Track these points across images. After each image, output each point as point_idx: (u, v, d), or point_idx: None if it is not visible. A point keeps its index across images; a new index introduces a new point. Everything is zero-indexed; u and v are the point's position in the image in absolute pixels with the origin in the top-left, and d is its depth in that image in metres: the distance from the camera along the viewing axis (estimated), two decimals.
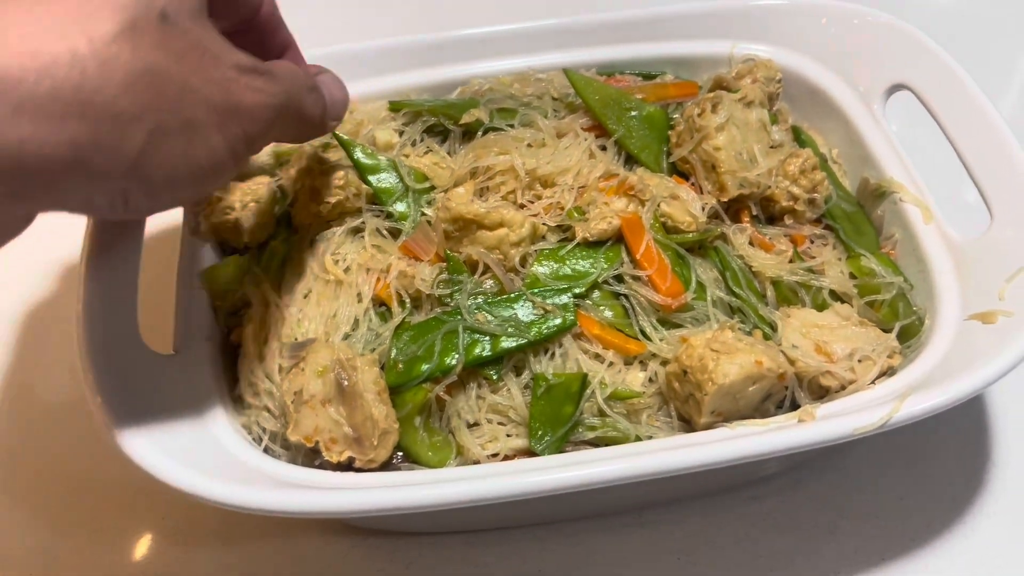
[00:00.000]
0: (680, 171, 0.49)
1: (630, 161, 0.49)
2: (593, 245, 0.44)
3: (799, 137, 0.52)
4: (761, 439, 0.37)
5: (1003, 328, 0.40)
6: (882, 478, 0.49)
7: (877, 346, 0.42)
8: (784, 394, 0.41)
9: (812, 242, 0.48)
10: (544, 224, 0.45)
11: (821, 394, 0.42)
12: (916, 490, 0.48)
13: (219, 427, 0.40)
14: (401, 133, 0.50)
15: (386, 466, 0.40)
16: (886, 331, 0.44)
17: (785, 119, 0.54)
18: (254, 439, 0.41)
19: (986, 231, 0.44)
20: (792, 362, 0.42)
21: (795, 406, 0.42)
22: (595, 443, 0.41)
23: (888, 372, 0.42)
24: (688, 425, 0.41)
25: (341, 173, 0.46)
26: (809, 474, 0.49)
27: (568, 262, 0.44)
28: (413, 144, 0.49)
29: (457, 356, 0.40)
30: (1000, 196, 0.44)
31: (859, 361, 0.41)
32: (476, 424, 0.41)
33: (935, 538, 0.47)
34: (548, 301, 0.42)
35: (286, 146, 0.51)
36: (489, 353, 0.41)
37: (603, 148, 0.49)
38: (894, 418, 0.37)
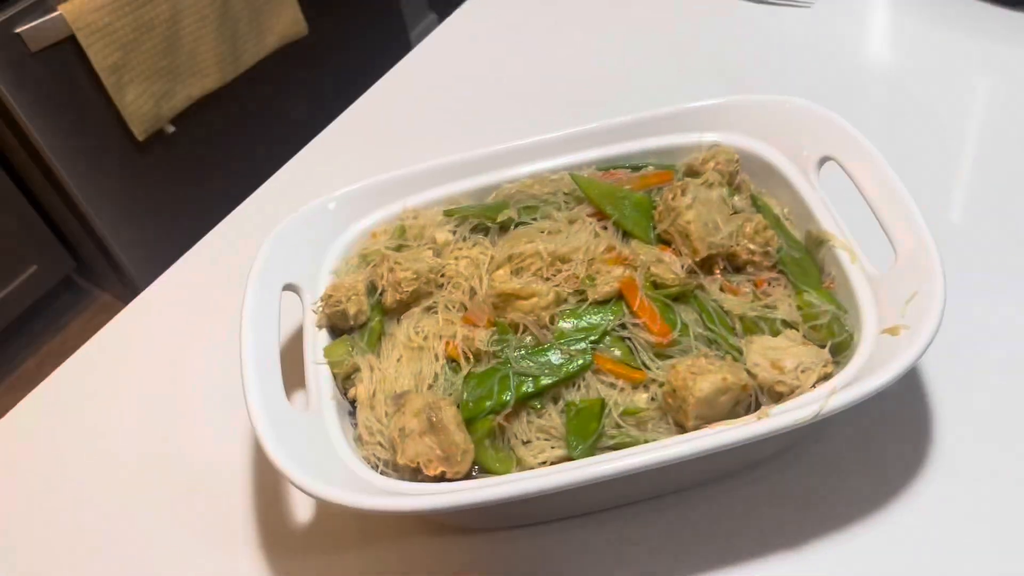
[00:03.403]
0: (664, 240, 0.65)
1: (626, 236, 0.65)
2: (601, 303, 0.61)
3: (756, 203, 0.68)
4: (730, 432, 0.52)
5: (904, 338, 0.55)
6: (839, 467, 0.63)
7: (816, 359, 0.57)
8: (751, 400, 0.57)
9: (769, 284, 0.63)
10: (566, 291, 0.62)
11: (778, 398, 0.57)
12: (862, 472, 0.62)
13: (349, 460, 0.57)
14: (454, 232, 0.67)
15: (468, 476, 0.56)
16: (825, 346, 0.59)
17: (747, 189, 0.70)
18: (372, 466, 0.58)
19: (892, 266, 0.59)
20: (754, 376, 0.57)
21: (761, 407, 0.57)
22: (615, 447, 0.56)
23: (825, 378, 0.57)
24: (681, 429, 0.57)
25: (415, 268, 0.63)
26: (794, 456, 0.64)
27: (584, 318, 0.60)
28: (464, 240, 0.67)
29: (510, 394, 0.57)
30: (900, 240, 0.59)
31: (803, 371, 0.57)
32: (529, 441, 0.57)
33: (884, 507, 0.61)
34: (572, 348, 0.58)
35: (371, 247, 0.69)
36: (533, 389, 0.57)
37: (605, 228, 0.65)
38: (824, 410, 0.52)
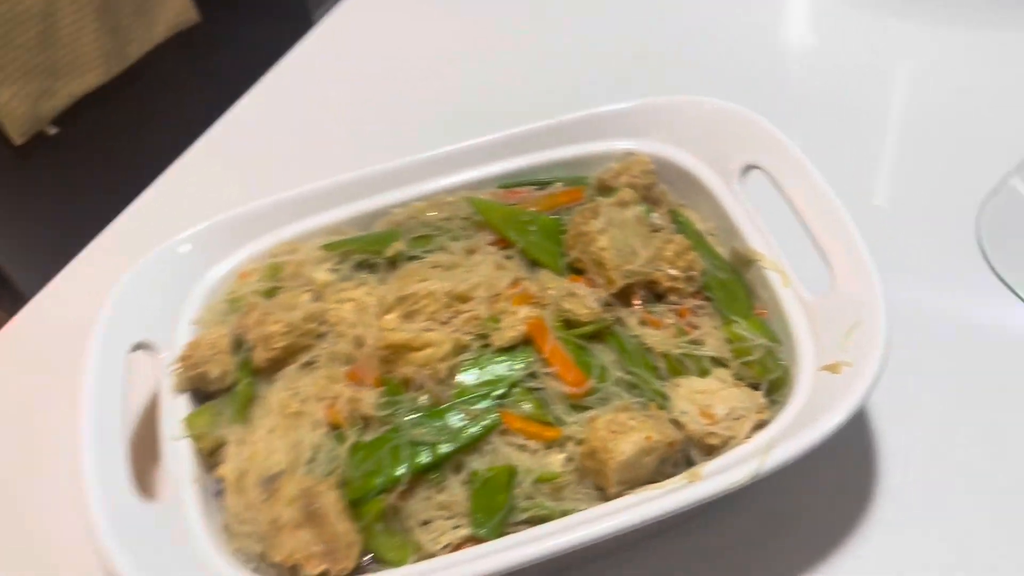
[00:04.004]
0: (576, 268, 0.57)
1: (534, 265, 0.58)
2: (507, 350, 0.53)
3: (677, 218, 0.61)
4: (656, 504, 0.45)
5: (846, 377, 0.48)
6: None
7: (749, 405, 0.50)
8: (678, 456, 0.50)
9: (694, 313, 0.56)
10: (465, 338, 0.53)
11: (710, 451, 0.50)
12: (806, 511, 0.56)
13: (213, 558, 0.48)
14: (335, 271, 0.58)
15: (357, 570, 0.48)
16: (760, 385, 0.52)
17: (666, 201, 0.63)
18: (243, 563, 0.49)
19: (829, 291, 0.52)
20: (682, 426, 0.50)
21: (692, 461, 0.50)
22: (529, 521, 0.49)
23: (761, 425, 0.50)
24: (603, 493, 0.49)
25: (287, 319, 0.53)
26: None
27: (487, 368, 0.52)
28: (347, 279, 0.57)
29: (403, 467, 0.48)
30: (837, 260, 0.52)
31: (735, 419, 0.50)
32: (428, 521, 0.49)
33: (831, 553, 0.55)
34: (475, 406, 0.50)
35: (240, 291, 0.60)
36: (430, 460, 0.49)
37: (509, 258, 0.57)
38: (761, 469, 0.45)
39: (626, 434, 0.47)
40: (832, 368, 0.49)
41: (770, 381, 0.52)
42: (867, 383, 0.47)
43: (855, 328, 0.50)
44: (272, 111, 0.91)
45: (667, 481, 0.48)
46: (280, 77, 0.96)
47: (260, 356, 0.54)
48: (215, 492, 0.53)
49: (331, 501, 0.47)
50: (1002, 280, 0.66)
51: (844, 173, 0.74)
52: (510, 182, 0.63)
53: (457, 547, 0.48)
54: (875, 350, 0.47)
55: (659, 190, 0.63)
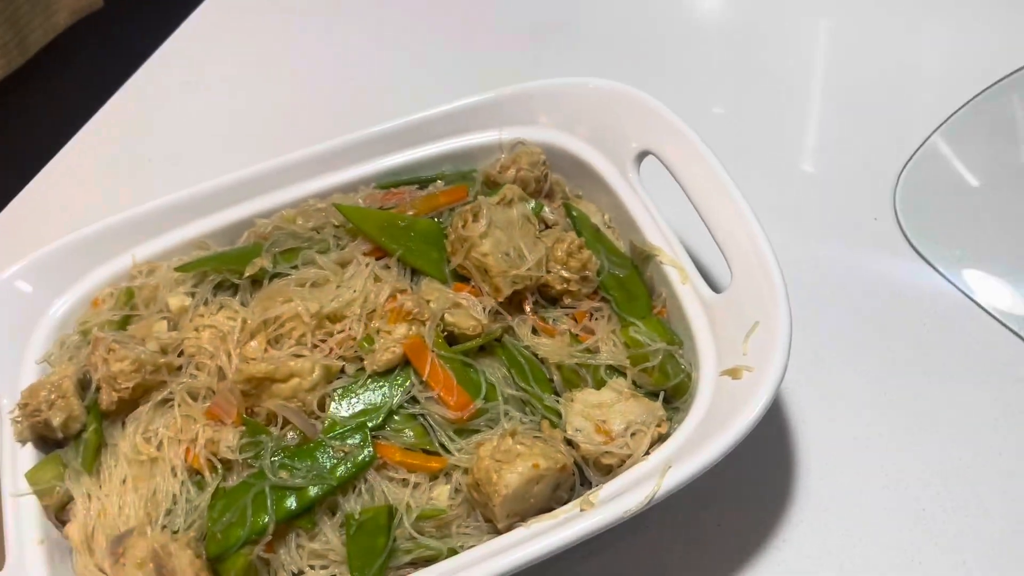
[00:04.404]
0: (462, 276, 0.52)
1: (416, 274, 0.52)
2: (384, 374, 0.48)
3: (571, 212, 0.56)
4: (547, 540, 0.41)
5: (747, 384, 0.45)
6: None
7: (647, 417, 0.46)
8: (573, 479, 0.46)
9: (591, 317, 0.52)
10: (338, 362, 0.48)
11: (607, 471, 0.46)
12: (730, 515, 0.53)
13: None
14: (192, 294, 0.52)
15: None
16: (661, 393, 0.48)
17: (561, 193, 0.58)
18: None
19: (728, 288, 0.49)
20: (576, 447, 0.46)
21: (589, 482, 0.46)
22: (414, 563, 0.44)
23: (661, 439, 0.46)
24: (494, 525, 0.45)
25: (134, 356, 0.48)
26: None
27: (362, 396, 0.47)
28: (206, 303, 0.52)
29: (268, 516, 0.43)
30: (735, 255, 0.48)
31: (632, 435, 0.46)
32: (300, 572, 0.44)
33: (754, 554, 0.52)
34: (347, 442, 0.45)
35: (92, 321, 0.53)
36: (297, 506, 0.44)
37: (387, 267, 0.52)
38: (658, 492, 0.42)
39: (512, 463, 0.43)
40: (733, 373, 0.46)
41: (671, 387, 0.48)
42: (769, 391, 0.43)
43: (755, 328, 0.46)
44: (139, 113, 0.83)
45: (560, 510, 0.44)
46: (146, 78, 0.87)
47: (107, 398, 0.48)
48: (68, 550, 0.47)
49: (186, 561, 0.42)
50: (914, 248, 0.64)
51: (769, 140, 0.71)
52: (388, 182, 0.58)
53: None
54: (776, 354, 0.44)
55: (552, 181, 0.58)
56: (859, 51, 0.81)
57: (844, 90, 0.77)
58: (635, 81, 0.56)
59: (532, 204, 0.54)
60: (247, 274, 0.51)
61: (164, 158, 0.77)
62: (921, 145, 0.69)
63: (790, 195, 0.68)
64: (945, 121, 0.70)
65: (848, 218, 0.66)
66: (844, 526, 0.52)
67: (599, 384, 0.49)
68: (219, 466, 0.46)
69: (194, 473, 0.46)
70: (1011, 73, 0.73)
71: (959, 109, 0.71)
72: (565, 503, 0.45)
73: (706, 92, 0.75)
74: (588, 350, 0.50)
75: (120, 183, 0.75)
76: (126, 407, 0.49)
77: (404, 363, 0.48)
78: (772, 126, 0.74)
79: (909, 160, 0.68)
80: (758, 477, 0.54)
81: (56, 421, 0.48)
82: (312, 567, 0.44)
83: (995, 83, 0.73)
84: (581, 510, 0.43)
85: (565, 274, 0.51)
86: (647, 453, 0.45)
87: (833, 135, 0.74)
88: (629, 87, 0.55)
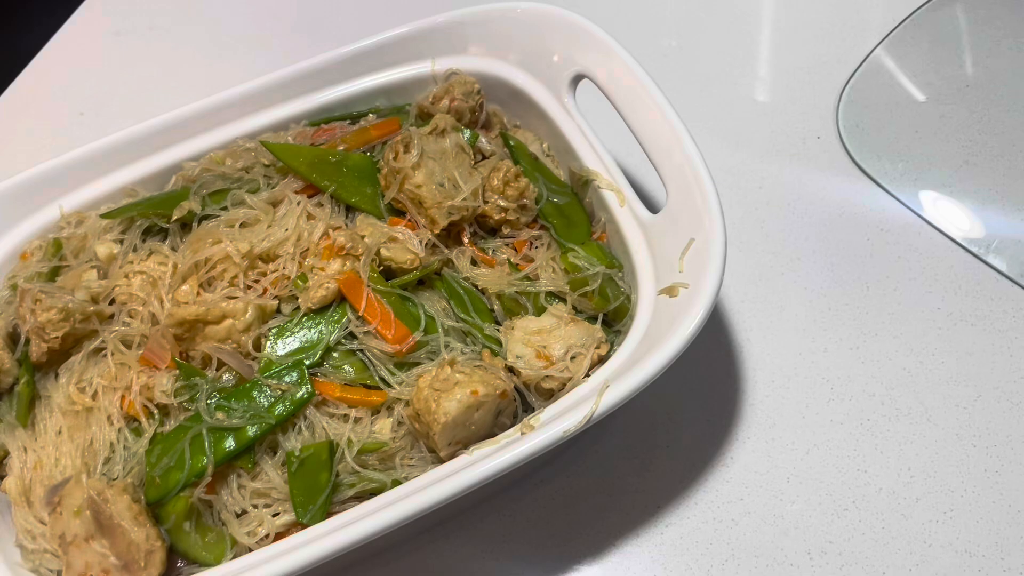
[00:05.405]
0: (397, 210, 0.51)
1: (351, 210, 0.51)
2: (319, 312, 0.47)
3: (508, 141, 0.55)
4: (487, 465, 0.41)
5: (683, 301, 0.44)
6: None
7: (587, 340, 0.46)
8: (515, 405, 0.46)
9: (531, 246, 0.51)
10: (272, 302, 0.47)
11: (548, 395, 0.46)
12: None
13: None
14: (121, 242, 0.51)
15: (169, 573, 0.43)
16: (600, 316, 0.48)
17: (498, 123, 0.57)
18: None
19: (664, 208, 0.48)
20: (517, 373, 0.46)
21: (531, 408, 0.46)
22: (358, 497, 0.44)
23: (601, 361, 0.46)
24: (437, 455, 0.45)
25: (61, 305, 0.46)
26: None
27: (297, 334, 0.46)
28: (135, 249, 0.50)
29: (206, 458, 0.43)
30: (670, 174, 0.48)
31: (572, 358, 0.46)
32: (244, 512, 0.44)
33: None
34: (283, 381, 0.45)
35: (22, 273, 0.52)
36: (235, 447, 0.43)
37: (321, 205, 0.51)
38: (596, 412, 0.42)
39: (450, 392, 0.43)
40: (670, 291, 0.45)
41: (611, 311, 0.48)
42: (705, 306, 0.43)
43: (691, 245, 0.45)
44: (69, 65, 0.80)
45: (501, 436, 0.44)
46: (75, 29, 0.84)
47: (37, 349, 0.47)
48: (8, 505, 0.47)
49: (123, 506, 0.41)
50: (857, 164, 0.63)
51: (722, 69, 0.70)
52: (319, 119, 0.56)
53: (279, 537, 0.43)
54: (711, 268, 0.43)
55: (489, 112, 0.57)
56: None
57: (789, 8, 0.76)
58: (582, 9, 0.55)
59: (467, 134, 0.53)
60: (175, 217, 0.50)
61: (94, 110, 0.75)
62: (864, 60, 0.68)
63: (734, 118, 0.67)
64: (888, 35, 0.70)
65: (792, 137, 0.66)
66: (790, 439, 0.53)
67: (540, 311, 0.48)
68: (155, 412, 0.45)
69: (131, 420, 0.45)
70: None
71: (902, 22, 0.70)
72: (508, 429, 0.45)
73: (660, 26, 0.74)
74: (527, 278, 0.49)
75: (53, 137, 0.73)
76: (57, 358, 0.48)
77: (340, 300, 0.47)
78: (718, 51, 0.73)
79: (852, 76, 0.67)
80: (704, 396, 0.55)
81: None
82: (255, 506, 0.44)
83: None
84: (522, 434, 0.43)
85: (502, 203, 0.51)
86: (588, 375, 0.45)
87: (778, 56, 0.73)
88: (558, 8, 0.54)
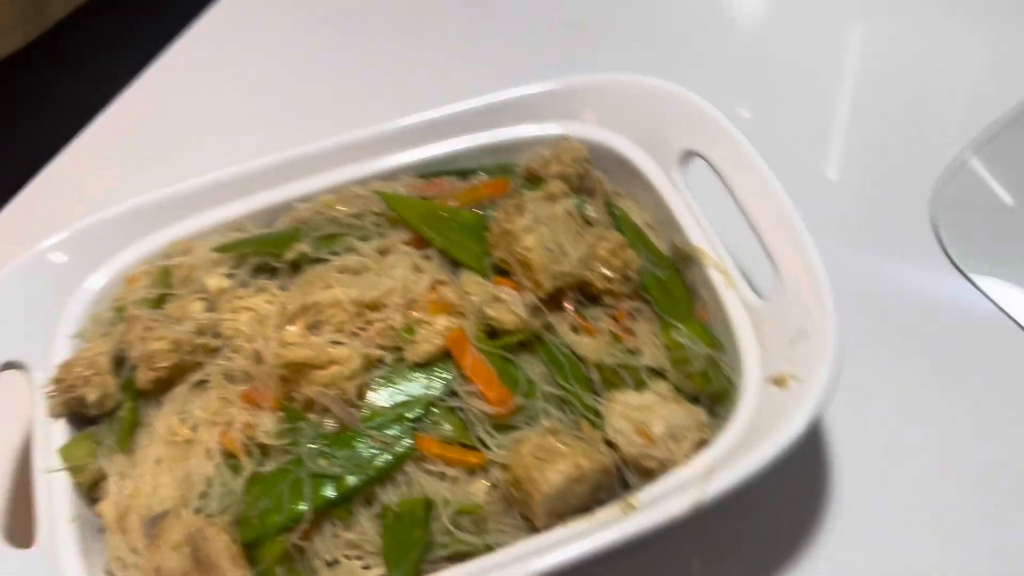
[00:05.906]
0: (502, 270, 0.51)
1: (456, 265, 0.52)
2: (423, 365, 0.47)
3: (612, 210, 0.55)
4: (587, 542, 0.41)
5: (794, 393, 0.44)
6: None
7: (689, 422, 0.46)
8: (612, 481, 0.45)
9: (631, 317, 0.51)
10: (377, 351, 0.48)
11: (647, 474, 0.46)
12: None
13: None
14: (231, 276, 0.51)
15: None
16: (701, 398, 0.48)
17: (602, 191, 0.58)
18: None
19: (776, 294, 0.48)
20: (616, 447, 0.46)
21: (628, 483, 0.46)
22: (450, 558, 0.44)
23: (702, 444, 0.46)
24: (531, 523, 0.45)
25: (172, 336, 0.47)
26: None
27: (401, 386, 0.47)
28: (244, 285, 0.51)
29: (305, 503, 0.43)
30: (784, 262, 0.48)
31: (674, 439, 0.45)
32: (335, 562, 0.44)
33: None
34: (386, 432, 0.45)
35: (128, 298, 0.53)
36: (335, 495, 0.43)
37: (427, 258, 0.51)
38: (703, 500, 0.41)
39: (554, 462, 0.43)
40: (779, 381, 0.45)
41: (712, 393, 0.48)
42: (816, 401, 0.43)
43: (802, 337, 0.45)
44: (169, 93, 0.82)
45: (599, 512, 0.43)
46: (176, 58, 0.86)
47: (144, 377, 0.48)
48: (98, 529, 0.47)
49: (222, 545, 0.42)
50: (955, 265, 0.63)
51: (798, 147, 0.71)
52: (429, 171, 0.57)
53: None
54: (825, 364, 0.43)
55: (593, 179, 0.57)
56: (891, 59, 0.80)
57: (874, 98, 0.76)
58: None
59: (575, 200, 0.53)
60: (287, 258, 0.51)
61: (190, 142, 0.76)
62: (957, 158, 0.68)
63: (819, 204, 0.67)
64: (983, 136, 0.70)
65: (880, 228, 0.66)
66: (884, 538, 0.51)
67: (639, 385, 0.48)
68: (256, 451, 0.45)
69: (228, 457, 0.46)
70: None
71: (994, 124, 0.70)
72: (603, 505, 0.44)
73: (734, 95, 0.74)
74: (630, 350, 0.49)
75: (144, 165, 0.74)
76: (161, 387, 0.48)
77: (444, 355, 0.47)
78: (800, 133, 0.73)
79: (945, 172, 0.68)
80: (786, 486, 0.54)
81: (91, 398, 0.47)
82: (347, 557, 0.44)
83: None
84: (623, 513, 0.43)
85: (607, 272, 0.51)
86: (688, 458, 0.45)
87: (863, 145, 0.73)
88: (679, 87, 0.55)
